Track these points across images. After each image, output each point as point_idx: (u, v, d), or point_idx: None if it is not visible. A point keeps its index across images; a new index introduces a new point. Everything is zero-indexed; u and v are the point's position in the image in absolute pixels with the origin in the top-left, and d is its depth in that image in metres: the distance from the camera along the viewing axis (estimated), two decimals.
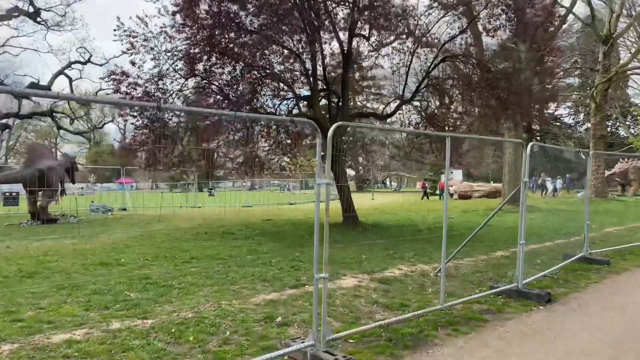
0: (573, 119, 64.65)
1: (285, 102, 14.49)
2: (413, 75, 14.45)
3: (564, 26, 26.69)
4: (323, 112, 14.45)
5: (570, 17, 27.53)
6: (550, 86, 18.20)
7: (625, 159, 38.38)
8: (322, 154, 4.82)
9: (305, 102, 14.31)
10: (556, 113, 54.63)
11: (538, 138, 57.16)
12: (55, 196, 16.16)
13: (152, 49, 12.85)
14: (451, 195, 36.67)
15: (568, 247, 10.60)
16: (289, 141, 14.71)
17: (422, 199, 36.67)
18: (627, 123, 61.57)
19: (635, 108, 61.48)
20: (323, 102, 15.33)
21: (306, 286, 7.00)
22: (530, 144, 6.66)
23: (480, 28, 13.85)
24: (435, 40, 13.50)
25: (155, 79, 12.62)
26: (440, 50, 13.19)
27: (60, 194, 17.32)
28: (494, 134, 16.34)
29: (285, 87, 13.73)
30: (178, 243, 11.05)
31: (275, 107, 14.56)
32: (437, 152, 14.86)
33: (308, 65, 13.56)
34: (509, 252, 10.62)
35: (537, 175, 35.63)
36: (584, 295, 6.97)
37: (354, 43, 13.89)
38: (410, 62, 13.63)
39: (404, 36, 12.98)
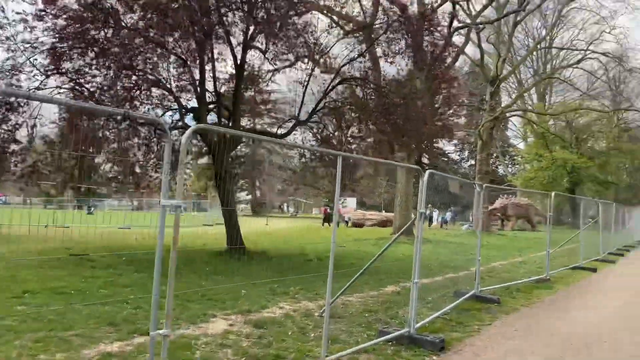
0: (459, 155, 68.96)
1: (170, 113, 13.00)
2: (311, 95, 13.75)
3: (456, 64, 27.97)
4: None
5: (461, 58, 29.11)
6: (445, 117, 18.50)
7: (505, 195, 41.08)
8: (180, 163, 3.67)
9: (192, 115, 12.97)
10: (445, 148, 57.77)
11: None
12: None
13: (7, 38, 10.87)
14: (346, 222, 36.64)
15: (458, 283, 10.21)
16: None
17: (322, 225, 36.14)
18: (506, 162, 66.88)
19: (513, 149, 67.10)
20: (213, 117, 14.06)
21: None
22: (428, 171, 5.98)
23: (380, 52, 13.55)
24: (334, 61, 12.94)
25: (8, 74, 10.63)
26: (338, 72, 12.63)
27: None
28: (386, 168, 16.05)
29: (171, 97, 12.29)
30: (15, 271, 9.05)
31: (158, 117, 12.96)
32: (331, 177, 14.19)
33: (197, 74, 12.28)
34: (399, 287, 10.00)
35: (429, 205, 36.83)
36: (478, 341, 6.34)
37: (249, 56, 12.91)
38: (308, 82, 12.91)
39: (302, 53, 12.22)
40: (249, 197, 72.51)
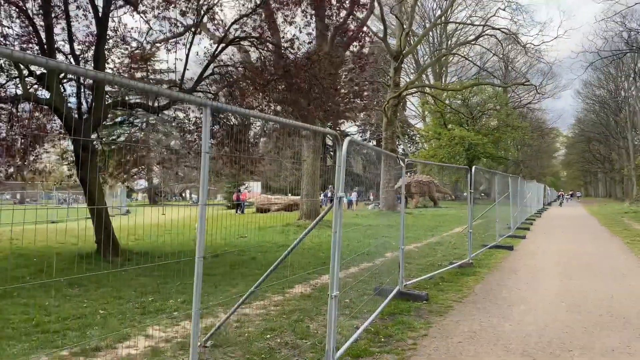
0: (361, 136, 69.13)
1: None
2: (198, 61, 11.44)
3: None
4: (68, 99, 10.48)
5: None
6: (349, 96, 17.03)
7: (409, 173, 41.17)
8: None
9: (37, 83, 10.18)
10: (347, 131, 57.28)
11: (332, 153, 59.31)
12: None
13: None
14: (241, 208, 34.64)
15: (378, 275, 8.69)
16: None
17: (235, 212, 33.67)
18: (405, 141, 68.21)
19: (412, 128, 68.59)
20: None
21: None
22: (347, 138, 4.20)
23: (280, 17, 11.50)
24: (224, 19, 10.77)
25: None
26: (227, 30, 10.50)
27: None
28: (290, 143, 14.24)
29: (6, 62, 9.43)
30: None
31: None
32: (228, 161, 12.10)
33: (44, 32, 9.52)
34: (309, 286, 8.28)
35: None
36: None
37: (120, 12, 10.35)
38: (191, 42, 10.61)
39: (184, 7, 9.91)
40: (145, 183, 67.61)
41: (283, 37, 11.36)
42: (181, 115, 12.03)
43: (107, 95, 10.53)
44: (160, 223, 22.43)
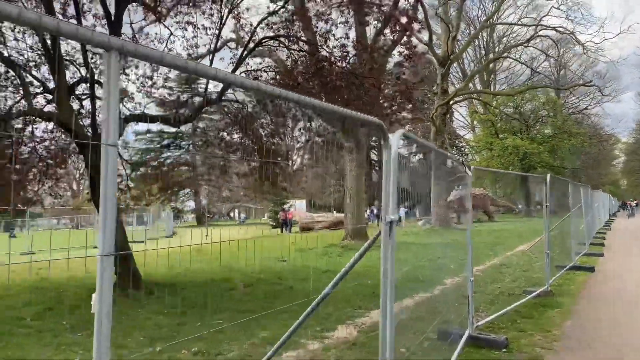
0: (407, 150, 66.91)
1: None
2: (223, 66, 10.31)
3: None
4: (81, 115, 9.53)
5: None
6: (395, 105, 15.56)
7: (460, 186, 38.91)
8: None
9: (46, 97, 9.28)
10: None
11: (377, 168, 57.54)
12: None
13: None
14: (288, 227, 33.58)
15: (440, 312, 7.09)
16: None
17: (281, 231, 32.76)
18: (454, 153, 65.64)
19: (461, 139, 65.98)
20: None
21: None
22: (399, 131, 2.77)
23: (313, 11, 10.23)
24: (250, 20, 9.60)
25: None
26: (254, 30, 9.31)
27: None
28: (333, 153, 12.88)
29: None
30: None
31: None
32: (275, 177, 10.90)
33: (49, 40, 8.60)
34: (356, 327, 6.79)
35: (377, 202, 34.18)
36: None
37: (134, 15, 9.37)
38: (215, 46, 9.47)
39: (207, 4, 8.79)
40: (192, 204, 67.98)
41: (316, 31, 10.07)
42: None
43: (124, 107, 9.54)
44: (201, 246, 21.48)
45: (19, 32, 8.86)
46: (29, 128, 9.16)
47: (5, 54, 9.13)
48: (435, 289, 7.98)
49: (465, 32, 43.46)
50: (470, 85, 50.47)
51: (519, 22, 36.09)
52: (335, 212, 42.15)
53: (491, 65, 46.46)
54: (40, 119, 8.96)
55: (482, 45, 50.84)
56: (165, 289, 9.51)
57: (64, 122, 8.53)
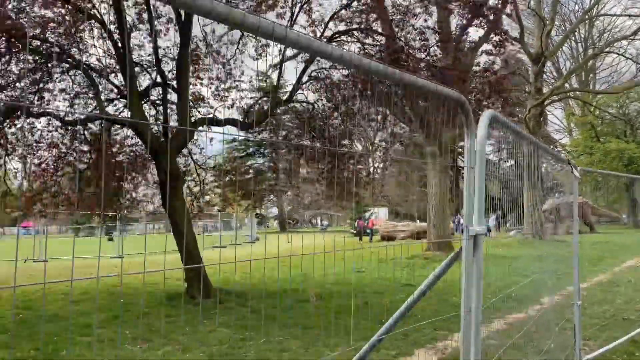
0: (496, 155, 63.56)
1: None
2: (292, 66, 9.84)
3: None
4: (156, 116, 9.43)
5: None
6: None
7: (557, 195, 35.99)
8: None
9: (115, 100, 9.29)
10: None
11: (463, 177, 54.84)
12: None
13: None
14: (369, 235, 32.73)
15: (535, 333, 6.02)
16: None
17: (360, 239, 32.17)
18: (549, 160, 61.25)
19: (556, 144, 61.51)
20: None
21: None
22: (488, 112, 1.99)
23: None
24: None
25: None
26: (326, 25, 8.76)
27: None
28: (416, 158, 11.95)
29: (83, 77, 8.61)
30: None
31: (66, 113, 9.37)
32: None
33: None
34: (436, 353, 5.93)
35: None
36: None
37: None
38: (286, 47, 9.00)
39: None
40: (276, 210, 69.03)
41: (392, 20, 9.28)
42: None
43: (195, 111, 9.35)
44: (283, 252, 21.24)
45: (97, 39, 8.98)
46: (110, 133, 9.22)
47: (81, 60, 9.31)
48: (531, 309, 6.89)
49: (560, 28, 40.40)
50: (566, 85, 46.81)
51: (625, 14, 32.81)
52: (418, 220, 40.68)
53: (590, 62, 42.74)
54: (118, 125, 8.99)
55: (579, 41, 47.07)
56: (237, 299, 9.14)
57: (136, 127, 8.47)
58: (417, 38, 8.88)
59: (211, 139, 11.70)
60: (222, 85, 9.74)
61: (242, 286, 10.81)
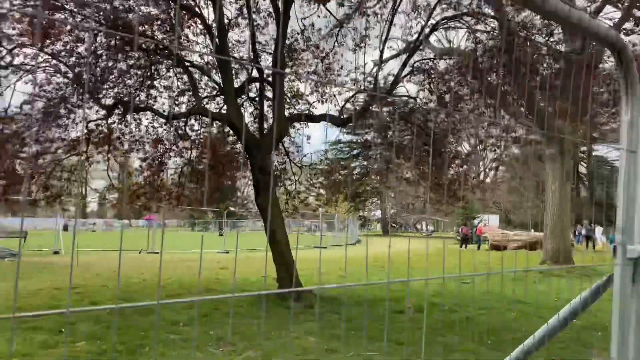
0: None
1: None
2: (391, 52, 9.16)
3: None
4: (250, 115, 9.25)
5: None
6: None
7: None
8: None
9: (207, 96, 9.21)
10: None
11: (586, 182, 50.00)
12: None
13: None
14: (477, 244, 30.84)
15: None
16: None
17: (460, 247, 30.63)
18: None
19: None
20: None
21: None
22: None
23: None
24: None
25: None
26: (432, 10, 7.97)
27: None
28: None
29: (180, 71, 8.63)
30: None
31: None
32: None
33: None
34: None
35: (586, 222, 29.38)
36: None
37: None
38: (387, 36, 8.37)
39: None
40: (379, 214, 68.21)
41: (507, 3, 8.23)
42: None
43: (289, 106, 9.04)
44: (381, 256, 20.62)
45: (196, 35, 9.05)
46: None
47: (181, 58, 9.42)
48: None
49: None
50: None
51: None
52: (532, 230, 37.64)
53: None
54: (215, 121, 8.98)
55: None
56: (328, 304, 8.67)
57: (233, 124, 8.35)
58: (538, 19, 7.76)
59: (308, 137, 11.44)
60: (320, 80, 9.35)
61: (335, 290, 10.33)
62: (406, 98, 8.98)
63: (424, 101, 8.80)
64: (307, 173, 11.30)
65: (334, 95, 9.68)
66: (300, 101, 10.25)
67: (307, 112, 9.68)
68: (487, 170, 54.94)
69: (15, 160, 8.15)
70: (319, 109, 9.85)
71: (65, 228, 45.49)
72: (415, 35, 8.39)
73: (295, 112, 10.06)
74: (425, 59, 8.85)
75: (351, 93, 9.45)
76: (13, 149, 8.42)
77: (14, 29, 7.93)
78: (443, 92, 8.41)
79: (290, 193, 10.98)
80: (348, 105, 9.45)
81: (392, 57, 10.32)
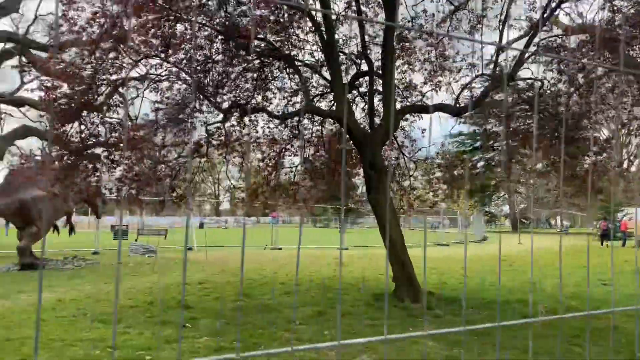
0: None
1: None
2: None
3: None
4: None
5: None
6: None
7: None
8: None
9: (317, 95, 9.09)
10: None
11: None
12: (39, 235, 12.97)
13: None
14: (621, 239, 27.68)
15: None
16: None
17: (601, 244, 27.92)
18: None
19: None
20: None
21: None
22: None
23: None
24: None
25: None
26: None
27: (70, 231, 14.47)
28: None
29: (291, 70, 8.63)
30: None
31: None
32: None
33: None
34: None
35: None
36: None
37: None
38: (506, 17, 7.57)
39: None
40: (507, 208, 64.27)
41: None
42: None
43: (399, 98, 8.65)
44: (511, 254, 19.26)
45: (307, 33, 9.06)
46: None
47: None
48: None
49: None
50: None
51: None
52: None
53: None
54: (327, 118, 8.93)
55: None
56: (449, 306, 8.17)
57: (341, 119, 8.22)
58: None
59: (423, 130, 10.94)
60: (432, 69, 8.85)
61: (457, 291, 9.76)
62: (531, 81, 8.13)
63: (552, 82, 7.90)
64: (423, 168, 10.81)
65: (449, 84, 9.11)
66: (413, 92, 9.83)
67: (419, 103, 9.23)
68: (631, 157, 49.24)
69: (146, 163, 8.81)
70: (433, 100, 9.36)
71: (201, 225, 49.34)
72: (539, 12, 7.52)
73: (408, 104, 9.67)
74: (552, 36, 7.92)
75: (468, 79, 8.81)
76: (144, 153, 9.11)
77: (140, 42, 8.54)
78: (576, 71, 7.44)
79: (405, 189, 10.60)
80: (466, 93, 8.83)
81: (516, 40, 9.45)
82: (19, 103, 21.71)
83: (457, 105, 8.38)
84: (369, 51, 8.83)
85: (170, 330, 6.24)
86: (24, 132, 25.35)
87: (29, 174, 11.25)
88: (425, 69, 9.21)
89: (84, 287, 9.64)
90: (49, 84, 8.28)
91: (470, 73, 8.94)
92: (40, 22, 23.90)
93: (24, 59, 16.55)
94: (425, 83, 9.25)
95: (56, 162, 8.18)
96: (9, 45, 22.51)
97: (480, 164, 30.67)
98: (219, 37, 8.76)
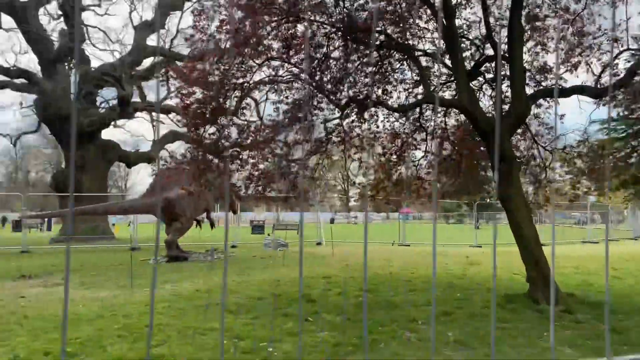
0: None
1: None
2: None
3: None
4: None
5: None
6: None
7: None
8: None
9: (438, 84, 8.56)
10: None
11: None
12: (184, 229, 14.17)
13: None
14: None
15: None
16: None
17: None
18: None
19: None
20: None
21: None
22: None
23: None
24: None
25: None
26: None
27: (211, 226, 15.62)
28: None
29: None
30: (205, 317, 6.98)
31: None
32: None
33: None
34: None
35: None
36: None
37: None
38: None
39: None
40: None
41: None
42: None
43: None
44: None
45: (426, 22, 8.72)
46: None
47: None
48: None
49: None
50: None
51: None
52: None
53: None
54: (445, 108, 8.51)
55: None
56: (593, 311, 7.31)
57: (466, 109, 7.76)
58: None
59: (562, 116, 9.91)
60: (569, 48, 7.93)
61: (604, 294, 8.72)
62: None
63: None
64: (561, 158, 9.81)
65: (589, 64, 8.08)
66: (547, 76, 8.94)
67: (553, 86, 8.34)
68: None
69: (271, 161, 9.17)
70: (570, 82, 8.41)
71: (332, 221, 50.47)
72: None
73: (541, 87, 8.82)
74: None
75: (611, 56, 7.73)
76: (272, 152, 9.51)
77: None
78: None
79: (540, 182, 9.71)
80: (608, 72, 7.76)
81: None
82: (167, 110, 24.18)
83: (598, 87, 7.42)
84: (494, 34, 8.21)
85: (291, 323, 6.41)
86: (172, 137, 28.19)
87: (172, 175, 12.38)
88: (562, 49, 8.31)
89: (220, 279, 10.35)
90: (184, 91, 9.01)
91: (614, 49, 7.86)
92: (180, 35, 26.37)
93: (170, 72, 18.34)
94: (561, 64, 8.33)
95: (192, 163, 8.88)
96: (158, 58, 25.19)
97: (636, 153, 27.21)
98: (338, 33, 8.80)
